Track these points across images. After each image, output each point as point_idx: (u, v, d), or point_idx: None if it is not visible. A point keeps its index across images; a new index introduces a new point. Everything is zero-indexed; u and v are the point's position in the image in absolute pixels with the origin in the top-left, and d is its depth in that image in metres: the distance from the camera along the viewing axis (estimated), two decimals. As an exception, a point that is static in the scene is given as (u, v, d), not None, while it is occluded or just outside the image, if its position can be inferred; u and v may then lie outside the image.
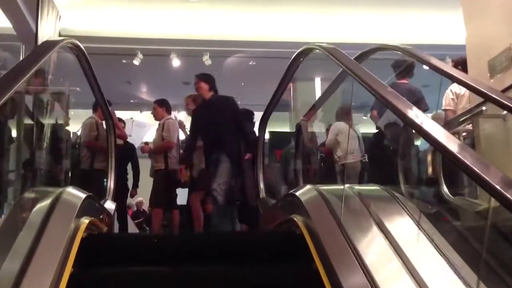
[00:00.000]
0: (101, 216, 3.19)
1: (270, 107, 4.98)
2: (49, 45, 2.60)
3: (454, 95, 5.06)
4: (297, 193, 2.87)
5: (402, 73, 5.76)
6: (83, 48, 3.50)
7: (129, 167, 7.46)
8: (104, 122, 6.16)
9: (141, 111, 13.97)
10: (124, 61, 10.90)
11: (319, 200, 2.62)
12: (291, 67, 4.29)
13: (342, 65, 2.75)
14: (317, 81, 12.50)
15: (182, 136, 6.90)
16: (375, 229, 2.31)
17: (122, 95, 12.97)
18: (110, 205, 4.07)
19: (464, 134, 4.32)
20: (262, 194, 4.44)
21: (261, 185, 4.50)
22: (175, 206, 6.39)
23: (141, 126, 8.32)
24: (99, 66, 11.18)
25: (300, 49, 4.00)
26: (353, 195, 2.72)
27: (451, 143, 1.68)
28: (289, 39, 10.66)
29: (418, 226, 2.34)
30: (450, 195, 4.44)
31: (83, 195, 2.69)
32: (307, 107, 12.34)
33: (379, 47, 3.70)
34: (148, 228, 11.03)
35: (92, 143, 6.05)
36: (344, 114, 7.17)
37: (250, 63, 11.37)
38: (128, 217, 7.76)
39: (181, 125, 6.96)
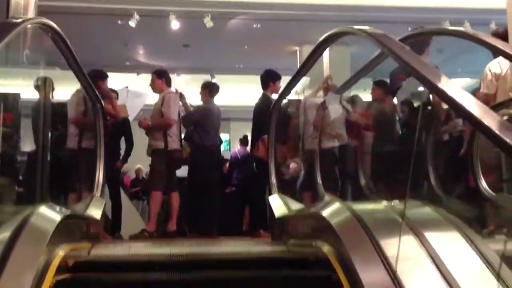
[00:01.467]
0: (84, 230, 2.63)
1: (286, 93, 4.32)
2: (8, 27, 1.99)
3: (493, 76, 4.44)
4: (324, 214, 2.29)
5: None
6: (57, 28, 2.87)
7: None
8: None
9: (138, 74, 13.29)
10: (119, 21, 10.19)
11: (359, 231, 2.04)
12: (316, 51, 3.57)
13: (400, 60, 2.14)
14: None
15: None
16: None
17: (118, 57, 12.33)
18: (97, 205, 3.49)
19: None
20: (275, 190, 3.83)
21: (273, 179, 3.89)
22: (174, 188, 5.83)
23: (137, 96, 7.68)
24: (93, 26, 10.65)
25: (332, 31, 3.28)
26: (397, 219, 2.15)
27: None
28: (297, 0, 9.98)
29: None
30: (490, 191, 3.90)
31: (58, 218, 2.11)
32: (314, 73, 11.81)
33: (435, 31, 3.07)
34: (144, 199, 10.52)
35: (80, 119, 5.45)
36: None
37: (254, 26, 10.64)
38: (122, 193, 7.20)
39: (182, 97, 6.36)
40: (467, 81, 15.36)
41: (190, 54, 12.33)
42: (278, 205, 3.55)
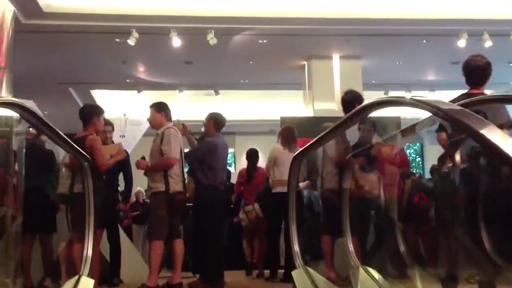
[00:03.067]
0: None
1: (308, 150, 3.67)
2: None
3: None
4: None
5: (476, 80, 4.43)
6: (24, 104, 2.26)
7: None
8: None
9: (138, 92, 12.81)
10: (117, 40, 9.60)
11: None
12: (354, 117, 2.89)
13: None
14: (335, 59, 11.20)
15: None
16: None
17: (117, 75, 11.79)
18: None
19: None
20: (299, 262, 3.17)
21: (296, 247, 3.22)
22: (177, 235, 5.21)
23: (136, 124, 7.08)
24: (90, 44, 10.07)
25: (378, 100, 2.61)
26: None
27: None
28: (305, 14, 9.38)
29: None
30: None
31: None
32: (324, 87, 11.19)
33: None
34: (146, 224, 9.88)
35: (71, 160, 4.87)
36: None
37: (260, 41, 10.04)
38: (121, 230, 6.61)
39: (185, 129, 5.75)
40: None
41: (193, 71, 11.74)
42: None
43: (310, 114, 11.38)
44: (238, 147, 18.67)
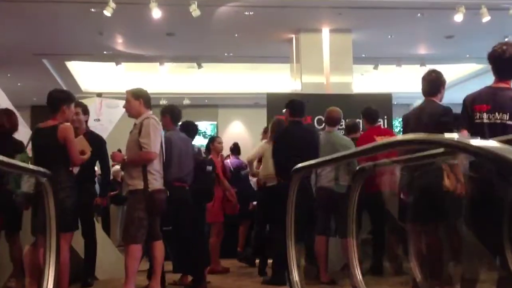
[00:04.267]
0: None
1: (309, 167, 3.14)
2: None
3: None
4: None
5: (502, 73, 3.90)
6: None
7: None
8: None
9: (117, 64, 12.13)
10: (92, 10, 8.92)
11: None
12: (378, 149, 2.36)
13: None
14: (325, 32, 10.62)
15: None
16: None
17: (93, 46, 11.10)
18: None
19: None
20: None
21: (295, 276, 2.72)
22: (157, 237, 4.70)
23: (113, 106, 6.48)
24: (62, 14, 9.35)
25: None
26: None
27: None
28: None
29: None
30: None
31: None
32: (312, 61, 10.61)
33: None
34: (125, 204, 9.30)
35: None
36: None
37: (246, 13, 9.41)
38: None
39: None
40: (473, 66, 14.41)
41: (174, 43, 11.09)
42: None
43: (298, 87, 10.90)
44: (221, 120, 18.19)
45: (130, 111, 4.77)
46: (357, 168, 3.19)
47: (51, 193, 2.76)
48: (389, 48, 11.99)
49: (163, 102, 15.92)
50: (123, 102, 6.32)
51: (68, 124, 4.52)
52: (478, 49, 12.34)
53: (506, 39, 11.45)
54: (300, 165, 3.05)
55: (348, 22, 10.30)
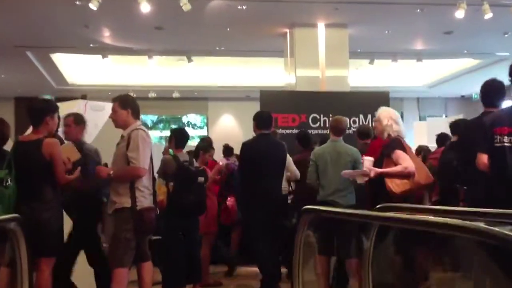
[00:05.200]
0: None
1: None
2: None
3: None
4: None
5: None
6: None
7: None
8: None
9: (103, 57, 11.68)
10: (78, 2, 8.46)
11: None
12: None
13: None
14: (321, 27, 10.24)
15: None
16: None
17: (79, 39, 10.64)
18: None
19: None
20: None
21: None
22: (145, 258, 4.33)
23: (99, 109, 6.06)
24: (46, 6, 8.86)
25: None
26: None
27: None
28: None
29: None
30: None
31: None
32: (307, 56, 10.23)
33: None
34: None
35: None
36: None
37: (239, 7, 9.00)
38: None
39: None
40: (469, 61, 14.12)
41: (163, 37, 10.66)
42: None
43: (292, 81, 10.55)
44: (211, 113, 17.80)
45: (117, 122, 4.38)
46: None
47: (22, 241, 2.36)
48: (386, 43, 11.66)
49: (152, 95, 15.53)
50: (109, 105, 5.92)
51: (54, 139, 4.15)
52: (476, 45, 12.08)
53: (506, 36, 11.18)
54: (310, 207, 2.69)
55: (344, 17, 9.94)
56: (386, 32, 10.89)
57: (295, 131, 8.74)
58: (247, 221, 5.79)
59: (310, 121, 9.06)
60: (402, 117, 16.66)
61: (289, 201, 6.75)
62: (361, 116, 9.16)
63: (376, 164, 4.56)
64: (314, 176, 5.61)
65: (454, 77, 15.33)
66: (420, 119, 18.65)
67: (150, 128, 18.69)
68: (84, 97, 6.86)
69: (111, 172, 4.20)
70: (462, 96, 18.02)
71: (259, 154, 5.55)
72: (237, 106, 17.17)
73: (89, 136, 5.98)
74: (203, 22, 9.67)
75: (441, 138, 7.12)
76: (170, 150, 5.51)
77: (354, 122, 9.09)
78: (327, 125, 8.80)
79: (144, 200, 4.18)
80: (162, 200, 5.02)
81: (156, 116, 18.63)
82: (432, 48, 12.27)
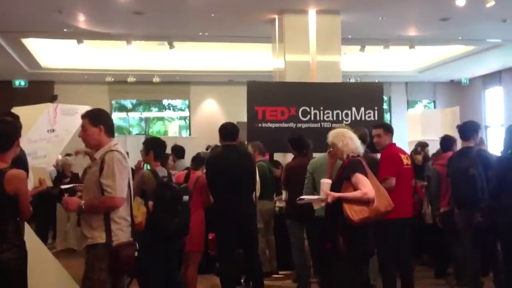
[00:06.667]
0: None
1: None
2: None
3: None
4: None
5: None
6: None
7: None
8: None
9: (78, 42, 10.95)
10: (49, -13, 7.75)
11: None
12: None
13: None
14: (311, 14, 9.62)
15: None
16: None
17: (52, 24, 9.91)
18: None
19: None
20: None
21: None
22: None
23: (70, 113, 5.41)
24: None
25: None
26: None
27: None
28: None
29: None
30: None
31: None
32: (297, 42, 9.63)
33: None
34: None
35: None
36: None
37: (224, -7, 8.35)
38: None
39: None
40: (461, 47, 13.62)
41: (143, 22, 9.97)
42: None
43: (281, 65, 10.05)
44: (193, 97, 17.15)
45: (88, 141, 3.74)
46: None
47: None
48: (378, 29, 11.13)
49: (131, 79, 14.83)
50: (83, 108, 5.35)
51: (20, 171, 3.52)
52: (472, 31, 11.58)
53: (504, 23, 10.68)
54: None
55: (336, 2, 9.34)
56: (380, 18, 10.35)
57: (284, 125, 8.26)
58: (217, 236, 5.59)
59: (300, 114, 8.45)
60: (390, 101, 16.34)
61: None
62: (353, 109, 8.57)
63: (335, 187, 4.18)
64: (311, 190, 5.29)
65: (444, 63, 14.85)
66: (408, 104, 18.28)
67: (130, 111, 18.01)
68: (54, 98, 6.19)
69: (82, 203, 3.59)
70: (451, 81, 17.59)
71: (226, 166, 5.39)
72: (220, 90, 16.64)
73: (61, 143, 5.38)
74: (186, 7, 9.02)
75: (446, 142, 6.58)
76: (146, 164, 4.93)
77: (347, 115, 8.54)
78: (318, 119, 8.33)
79: (121, 234, 3.58)
80: (141, 222, 4.41)
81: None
82: (425, 34, 11.76)
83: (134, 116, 18.42)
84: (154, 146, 4.99)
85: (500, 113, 16.09)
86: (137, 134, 18.14)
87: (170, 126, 19.07)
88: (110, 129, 3.74)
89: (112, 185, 3.51)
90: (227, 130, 5.58)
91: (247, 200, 5.53)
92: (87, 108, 5.50)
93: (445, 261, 6.80)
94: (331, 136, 4.40)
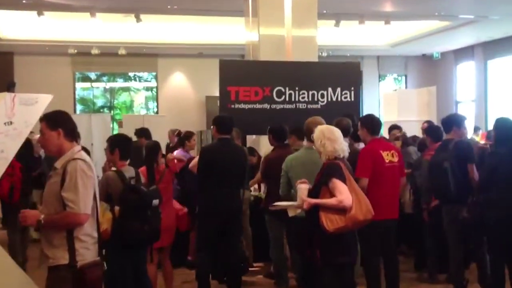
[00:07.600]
0: None
1: None
2: None
3: None
4: None
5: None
6: None
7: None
8: None
9: (39, 14, 10.28)
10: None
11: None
12: None
13: None
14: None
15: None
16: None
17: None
18: None
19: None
20: None
21: None
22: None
23: (30, 103, 4.90)
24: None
25: None
26: None
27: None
28: None
29: None
30: None
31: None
32: (271, 16, 9.20)
33: None
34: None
35: None
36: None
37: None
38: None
39: None
40: (435, 22, 13.36)
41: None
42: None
43: (255, 38, 9.59)
44: (161, 70, 16.59)
45: (47, 147, 3.31)
46: None
47: None
48: (354, 4, 10.76)
49: (95, 51, 14.21)
50: (44, 97, 4.91)
51: None
52: (449, 7, 11.30)
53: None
54: None
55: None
56: (356, -7, 9.97)
57: (258, 106, 7.91)
58: (201, 228, 5.54)
59: (274, 95, 8.07)
60: (361, 75, 15.91)
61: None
62: (329, 89, 8.26)
63: (313, 192, 3.97)
64: (287, 188, 5.04)
65: (417, 38, 14.59)
66: (379, 78, 18.07)
67: (94, 81, 17.30)
68: (11, 85, 5.64)
69: (41, 217, 3.17)
70: (423, 55, 17.40)
71: (219, 159, 5.38)
72: (190, 63, 16.16)
73: (19, 136, 4.88)
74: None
75: (434, 133, 6.35)
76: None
77: (322, 96, 8.23)
78: (293, 99, 8.02)
79: (87, 253, 3.20)
80: (107, 229, 4.02)
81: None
82: (401, 10, 11.43)
83: (99, 86, 17.75)
84: (119, 144, 4.57)
85: (472, 88, 15.97)
86: (101, 108, 17.55)
87: (136, 97, 18.48)
88: (71, 133, 3.32)
89: (75, 200, 3.11)
90: (224, 124, 5.56)
91: (235, 194, 5.51)
92: (48, 96, 5.06)
93: (424, 252, 6.62)
94: (315, 131, 4.12)
